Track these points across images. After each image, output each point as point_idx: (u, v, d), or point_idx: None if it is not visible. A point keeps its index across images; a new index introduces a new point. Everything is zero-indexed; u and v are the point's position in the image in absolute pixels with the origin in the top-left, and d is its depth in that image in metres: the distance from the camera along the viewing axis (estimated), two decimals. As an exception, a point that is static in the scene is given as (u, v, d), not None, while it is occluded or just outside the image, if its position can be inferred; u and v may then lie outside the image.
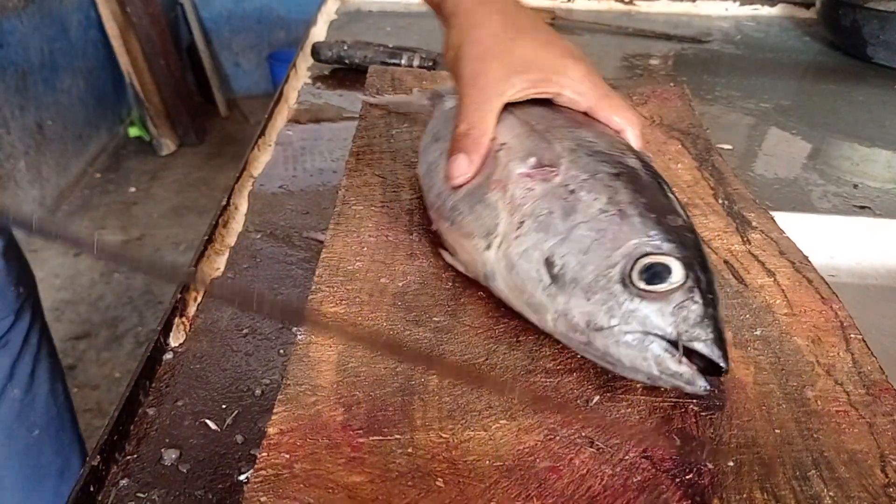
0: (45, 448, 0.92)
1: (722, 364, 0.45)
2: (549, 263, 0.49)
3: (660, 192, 0.52)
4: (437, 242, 0.60)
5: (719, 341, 0.45)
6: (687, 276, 0.46)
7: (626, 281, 0.46)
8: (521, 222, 0.51)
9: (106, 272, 2.50)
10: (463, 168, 0.56)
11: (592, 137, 0.56)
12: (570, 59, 0.59)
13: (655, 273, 0.46)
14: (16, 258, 0.90)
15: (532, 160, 0.54)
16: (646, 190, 0.51)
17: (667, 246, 0.47)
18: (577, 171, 0.52)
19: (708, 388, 0.45)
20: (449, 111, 0.66)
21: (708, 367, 0.45)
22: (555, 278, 0.48)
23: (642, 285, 0.46)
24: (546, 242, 0.49)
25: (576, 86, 0.58)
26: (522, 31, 0.59)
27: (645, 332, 0.45)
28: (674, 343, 0.45)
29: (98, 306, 2.30)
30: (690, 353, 0.45)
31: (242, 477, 0.51)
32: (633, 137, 0.59)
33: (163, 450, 0.53)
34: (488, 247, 0.53)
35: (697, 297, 0.46)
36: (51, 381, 0.92)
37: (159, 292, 2.39)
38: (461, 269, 0.57)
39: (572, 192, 0.51)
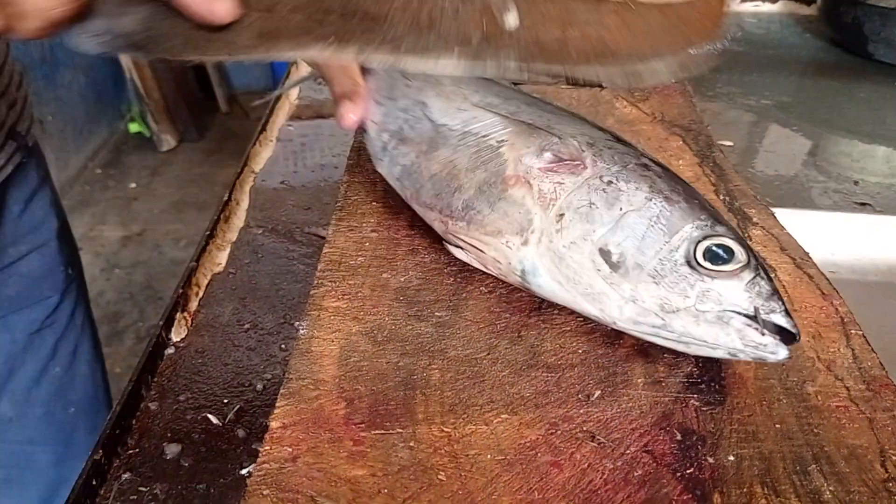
0: (80, 427, 0.93)
1: (795, 332, 0.47)
2: (604, 252, 0.50)
3: (683, 181, 0.54)
4: (439, 239, 0.60)
5: (789, 312, 0.48)
6: (749, 256, 0.48)
7: (692, 263, 0.48)
8: (561, 215, 0.52)
9: (107, 268, 2.50)
10: (352, 109, 0.63)
11: (597, 131, 0.58)
12: None
13: (717, 254, 0.48)
14: (67, 240, 0.92)
15: (548, 155, 0.55)
16: (676, 178, 0.54)
17: (720, 228, 0.50)
18: (606, 163, 0.53)
19: (790, 355, 0.47)
20: (406, 108, 0.65)
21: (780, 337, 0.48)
22: (614, 266, 0.49)
23: (709, 266, 0.48)
24: (595, 233, 0.51)
25: None
26: None
27: (723, 310, 0.48)
28: (751, 317, 0.47)
29: (98, 302, 2.30)
30: (764, 324, 0.47)
31: (244, 471, 0.52)
32: None
33: (165, 444, 0.54)
34: (525, 243, 0.53)
35: (763, 274, 0.49)
36: (91, 362, 0.94)
37: (159, 288, 2.39)
38: (478, 265, 0.57)
39: (609, 182, 0.52)
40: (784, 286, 0.58)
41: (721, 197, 0.70)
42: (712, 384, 0.48)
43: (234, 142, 3.49)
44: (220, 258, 0.73)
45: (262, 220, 0.79)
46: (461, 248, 0.57)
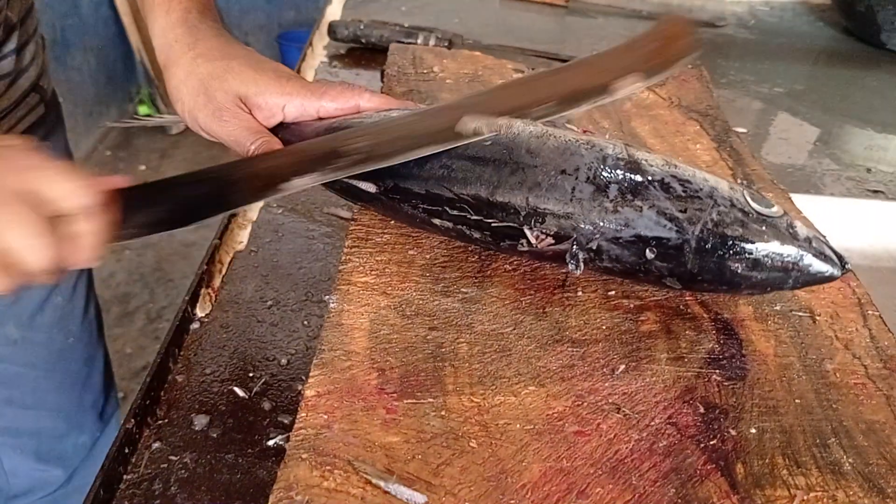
0: (77, 356, 0.96)
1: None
2: None
3: None
4: None
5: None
6: None
7: None
8: None
9: (117, 249, 2.51)
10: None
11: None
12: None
13: None
14: None
15: None
16: None
17: None
18: None
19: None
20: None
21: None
22: None
23: None
24: None
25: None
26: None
27: None
28: None
29: (109, 283, 2.31)
30: None
31: (271, 442, 0.53)
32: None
33: (193, 415, 0.55)
34: None
35: None
36: (87, 296, 0.97)
37: (169, 269, 2.40)
38: None
39: None
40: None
41: (739, 181, 0.71)
42: (733, 360, 0.50)
43: (242, 125, 3.48)
44: (242, 237, 0.74)
45: (281, 201, 0.80)
46: None
